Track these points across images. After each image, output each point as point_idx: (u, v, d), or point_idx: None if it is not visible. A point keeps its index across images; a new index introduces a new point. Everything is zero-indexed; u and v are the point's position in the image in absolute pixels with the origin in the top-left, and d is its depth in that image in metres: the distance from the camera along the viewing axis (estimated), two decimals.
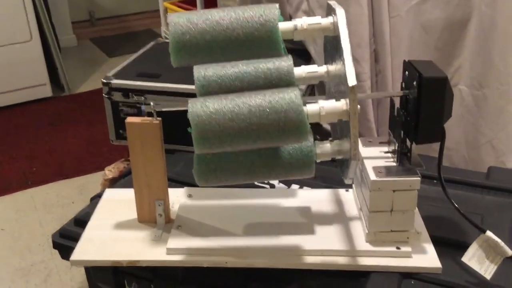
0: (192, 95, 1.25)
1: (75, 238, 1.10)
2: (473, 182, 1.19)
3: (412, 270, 0.94)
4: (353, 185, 1.11)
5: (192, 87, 1.26)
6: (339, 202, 1.09)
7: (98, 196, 1.18)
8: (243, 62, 0.95)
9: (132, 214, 1.07)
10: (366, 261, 0.95)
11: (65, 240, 1.12)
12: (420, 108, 0.90)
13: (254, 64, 0.95)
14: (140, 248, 0.99)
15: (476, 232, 1.03)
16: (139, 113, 1.29)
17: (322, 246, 0.97)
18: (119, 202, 1.12)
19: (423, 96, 0.90)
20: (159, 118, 0.96)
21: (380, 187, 0.93)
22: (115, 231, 1.04)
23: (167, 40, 1.60)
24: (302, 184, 1.18)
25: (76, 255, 0.98)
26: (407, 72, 0.96)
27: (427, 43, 1.39)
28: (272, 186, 1.19)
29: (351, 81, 0.82)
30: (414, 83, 0.91)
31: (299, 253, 0.96)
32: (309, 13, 1.35)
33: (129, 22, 3.80)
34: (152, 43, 1.53)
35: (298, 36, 0.93)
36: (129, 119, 0.97)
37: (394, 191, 0.93)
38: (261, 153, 0.91)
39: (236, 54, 0.91)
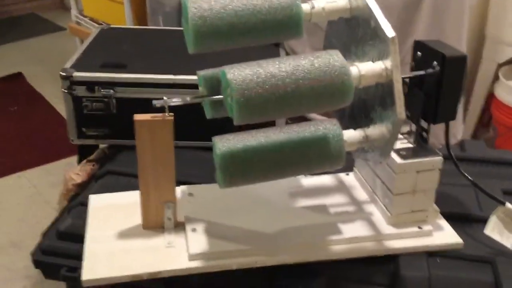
0: (166, 85, 1.17)
1: (62, 254, 1.00)
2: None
3: (436, 248, 0.96)
4: (355, 169, 1.09)
5: (165, 76, 1.17)
6: (344, 187, 1.07)
7: (81, 204, 1.05)
8: None
9: (133, 220, 0.97)
10: (394, 244, 0.95)
11: (50, 257, 1.00)
12: (442, 87, 0.91)
13: None
14: (157, 258, 0.90)
15: (474, 204, 1.08)
16: (107, 108, 1.17)
17: (347, 234, 0.95)
18: (112, 208, 1.01)
19: (446, 76, 0.90)
20: (172, 114, 0.87)
21: (406, 169, 0.93)
22: (121, 242, 0.93)
23: (113, 26, 1.47)
24: None
25: (87, 274, 0.86)
26: (419, 53, 0.96)
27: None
28: None
29: (390, 32, 0.80)
30: (435, 62, 0.91)
31: (326, 244, 0.93)
32: None
33: (8, 7, 3.45)
34: (97, 31, 1.39)
35: (316, 17, 0.89)
36: (138, 117, 0.87)
37: (418, 172, 0.93)
38: (290, 142, 0.86)
39: (257, 34, 0.84)
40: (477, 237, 0.99)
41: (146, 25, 1.89)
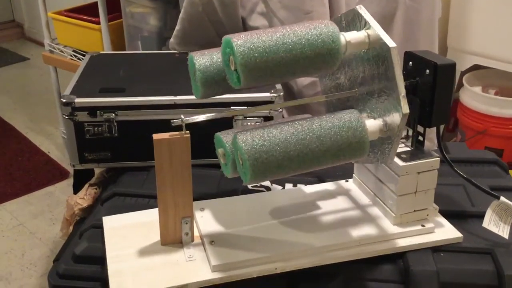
0: (167, 106, 1.20)
1: (81, 277, 1.01)
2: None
3: (439, 244, 1.02)
4: (354, 175, 1.15)
5: (166, 98, 1.21)
6: (347, 193, 1.13)
7: (93, 227, 1.07)
8: None
9: (149, 237, 1.00)
10: (401, 243, 1.00)
11: (68, 281, 1.01)
12: (435, 93, 0.98)
13: None
14: (181, 271, 0.93)
15: (466, 201, 1.15)
16: (109, 132, 1.20)
17: (358, 236, 1.00)
18: (127, 228, 1.03)
19: (439, 82, 0.97)
20: (188, 131, 0.91)
21: (408, 171, 0.99)
22: (143, 259, 0.95)
23: (102, 52, 1.50)
24: (295, 182, 1.20)
25: None
26: (410, 63, 1.03)
27: None
28: (268, 188, 1.19)
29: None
30: (427, 71, 0.98)
31: (340, 247, 0.98)
32: (268, 15, 1.35)
33: None
34: (87, 57, 1.41)
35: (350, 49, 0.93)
36: (157, 136, 0.90)
37: (418, 173, 1.00)
38: (313, 135, 0.88)
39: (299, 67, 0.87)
40: (474, 231, 1.06)
41: (124, 50, 1.92)
